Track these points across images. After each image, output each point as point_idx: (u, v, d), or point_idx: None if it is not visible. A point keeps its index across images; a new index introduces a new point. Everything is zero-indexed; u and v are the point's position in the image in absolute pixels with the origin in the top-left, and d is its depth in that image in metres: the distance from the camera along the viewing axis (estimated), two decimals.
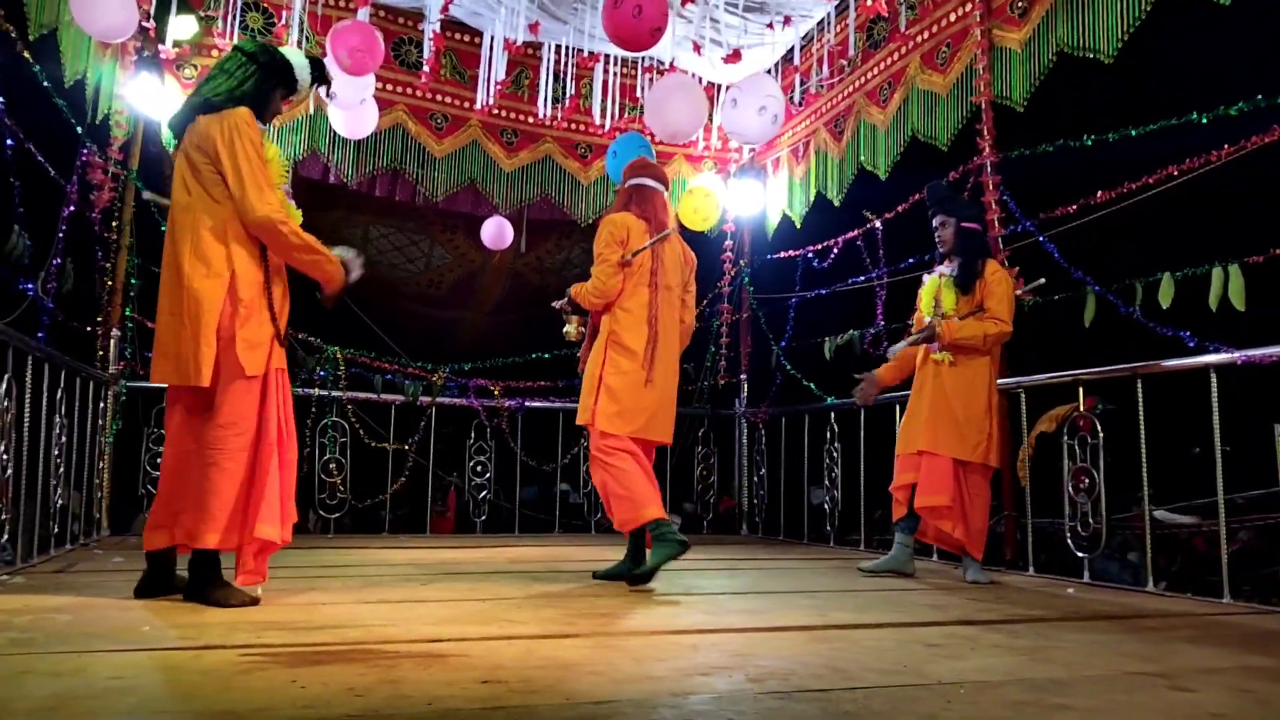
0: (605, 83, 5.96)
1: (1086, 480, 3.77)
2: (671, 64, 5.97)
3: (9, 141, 3.67)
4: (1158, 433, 3.59)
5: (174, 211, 2.78)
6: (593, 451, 3.46)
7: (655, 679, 1.82)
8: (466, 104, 6.07)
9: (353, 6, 5.46)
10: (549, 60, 5.96)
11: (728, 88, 6.55)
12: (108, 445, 4.91)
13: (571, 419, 5.20)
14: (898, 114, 5.12)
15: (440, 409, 5.90)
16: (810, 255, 5.99)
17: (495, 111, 6.12)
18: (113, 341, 5.01)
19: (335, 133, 5.59)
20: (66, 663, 1.86)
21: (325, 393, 5.57)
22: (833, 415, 5.47)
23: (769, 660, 2.02)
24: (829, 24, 5.55)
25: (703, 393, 6.67)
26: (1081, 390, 3.80)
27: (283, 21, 5.53)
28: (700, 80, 6.44)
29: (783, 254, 6.31)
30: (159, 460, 5.17)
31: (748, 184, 6.43)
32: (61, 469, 3.91)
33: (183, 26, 5.28)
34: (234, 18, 5.37)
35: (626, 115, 6.22)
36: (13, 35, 3.59)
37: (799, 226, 6.13)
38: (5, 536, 3.26)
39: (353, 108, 4.82)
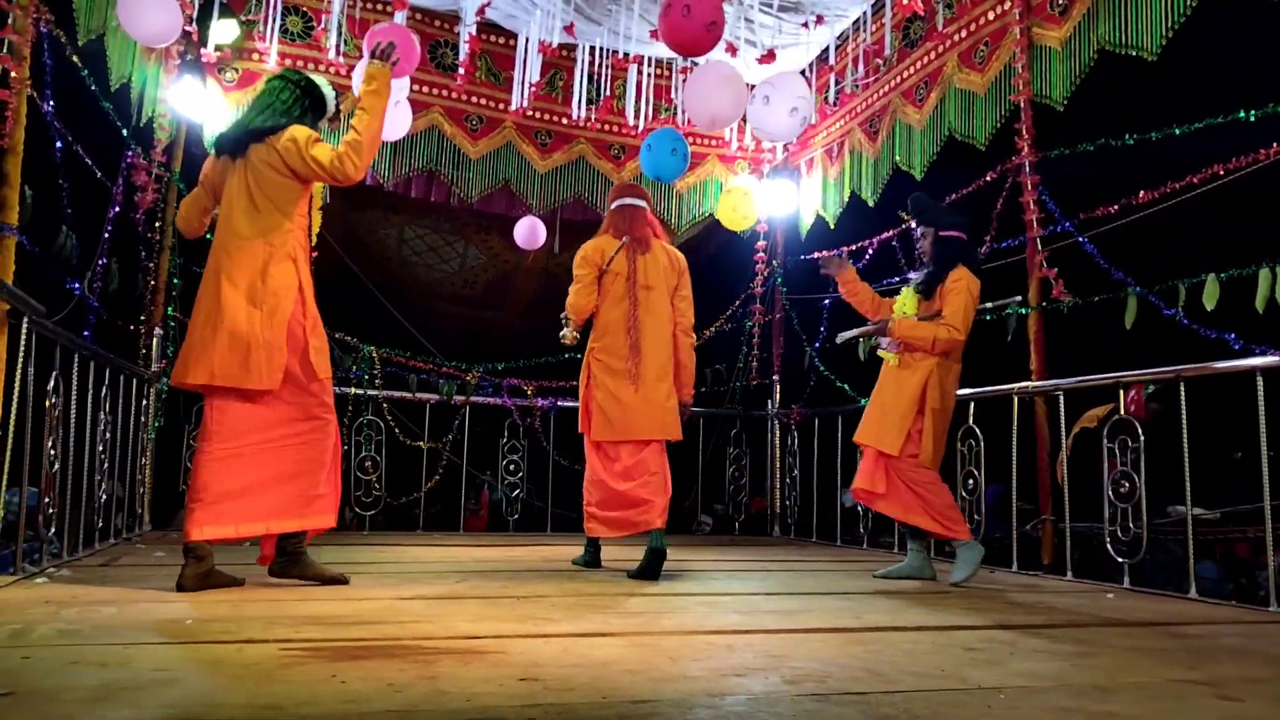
0: (639, 84, 5.97)
1: (1127, 484, 3.71)
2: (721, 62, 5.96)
3: (58, 144, 3.75)
4: (1199, 437, 3.52)
5: (233, 231, 2.97)
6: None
7: (691, 679, 1.82)
8: (501, 105, 6.11)
9: (390, 9, 5.52)
10: (583, 62, 5.98)
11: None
12: (150, 441, 5.01)
13: None
14: (934, 113, 5.08)
15: (474, 408, 5.95)
16: (844, 255, 5.95)
17: (530, 113, 6.15)
18: (155, 340, 5.11)
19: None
20: (113, 654, 1.90)
21: (361, 391, 5.63)
22: None
23: (805, 662, 2.01)
24: (865, 23, 5.52)
25: (735, 393, 6.65)
26: (1122, 392, 3.74)
27: (321, 25, 5.60)
28: None
29: (816, 254, 6.27)
30: None
31: (781, 184, 6.40)
32: (106, 464, 3.99)
33: (224, 31, 5.37)
34: (274, 21, 5.45)
35: (661, 116, 6.23)
36: (63, 40, 3.67)
37: (833, 227, 6.10)
38: (53, 530, 3.34)
39: (388, 109, 4.86)
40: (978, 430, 4.42)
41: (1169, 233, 4.11)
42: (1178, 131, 3.80)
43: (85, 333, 4.09)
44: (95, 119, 4.25)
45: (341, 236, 6.88)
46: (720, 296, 6.85)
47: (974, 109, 4.79)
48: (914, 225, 3.96)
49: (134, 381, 4.49)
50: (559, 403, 6.01)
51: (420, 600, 2.83)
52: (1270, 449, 3.22)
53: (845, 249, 5.93)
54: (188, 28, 5.01)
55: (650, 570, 3.62)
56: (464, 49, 5.78)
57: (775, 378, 6.60)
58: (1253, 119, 3.52)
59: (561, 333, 3.94)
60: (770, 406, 6.56)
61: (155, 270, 5.17)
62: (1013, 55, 4.51)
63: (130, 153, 4.66)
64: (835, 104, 6.04)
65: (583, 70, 5.98)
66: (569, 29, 5.32)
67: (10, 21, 3.18)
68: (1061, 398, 4.03)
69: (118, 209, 4.50)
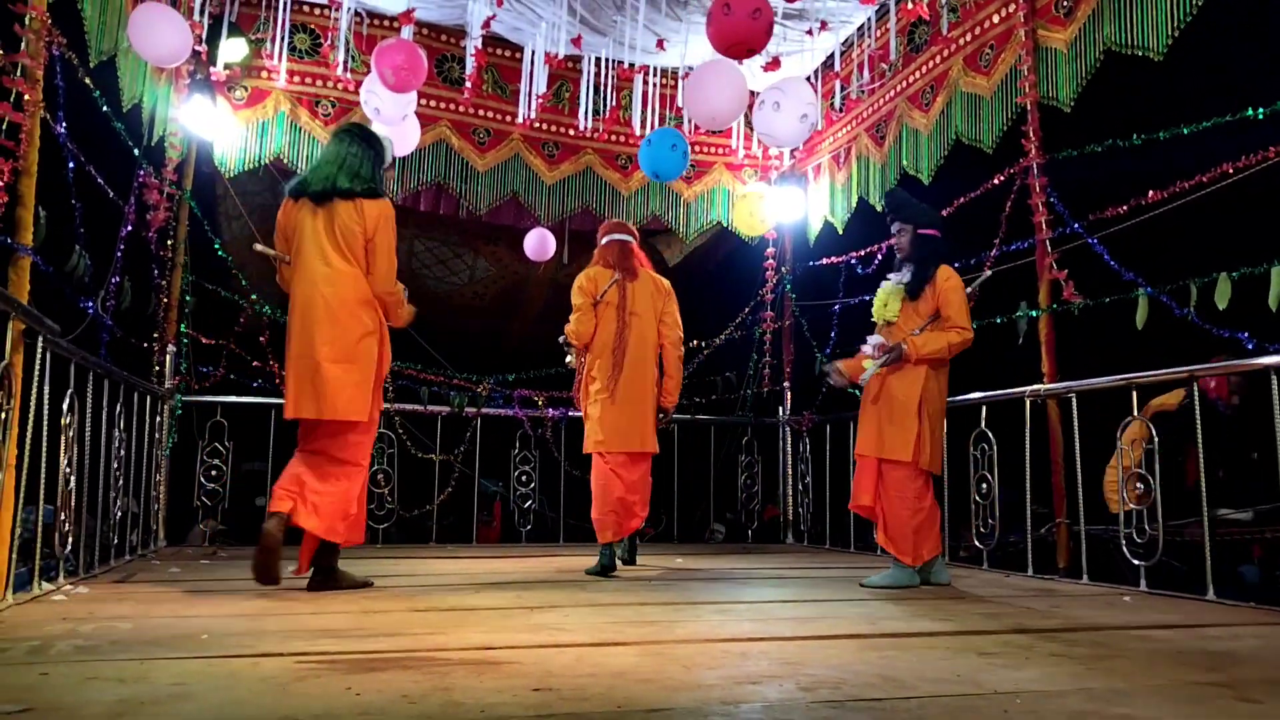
0: (645, 94, 6.00)
1: (1142, 486, 3.69)
2: None
3: (70, 164, 3.79)
4: (1214, 437, 3.49)
5: (319, 264, 3.32)
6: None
7: (706, 687, 1.81)
8: (508, 118, 6.14)
9: (396, 25, 5.56)
10: (589, 73, 6.01)
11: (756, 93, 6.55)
12: (164, 458, 5.04)
13: None
14: (941, 117, 5.08)
15: (485, 419, 5.96)
16: (853, 261, 5.95)
17: (536, 125, 6.19)
18: (168, 357, 5.15)
19: None
20: (130, 669, 1.91)
21: None
22: None
23: (819, 669, 2.00)
24: (869, 29, 5.53)
25: (746, 401, 6.65)
26: (1136, 394, 3.71)
27: (328, 42, 5.65)
28: None
29: (825, 261, 6.27)
30: (213, 473, 5.31)
31: (789, 191, 6.40)
32: (121, 481, 4.02)
33: (233, 49, 5.43)
34: (282, 39, 5.50)
35: (667, 125, 6.25)
36: (75, 62, 3.71)
37: (841, 232, 6.09)
38: (69, 547, 3.36)
39: (395, 124, 4.90)
40: (990, 434, 4.40)
41: (1179, 232, 4.08)
42: (1186, 131, 3.78)
43: (100, 351, 4.12)
44: (107, 139, 4.29)
45: None
46: (730, 304, 6.86)
47: (980, 112, 4.79)
48: (889, 221, 3.95)
49: (148, 399, 4.52)
50: (570, 413, 6.02)
51: (434, 612, 2.84)
52: None
53: (854, 255, 5.93)
54: (197, 47, 5.06)
55: (630, 557, 4.48)
56: (470, 63, 5.82)
57: (786, 384, 6.59)
58: (1261, 117, 3.51)
59: (567, 359, 4.49)
60: (782, 413, 6.55)
61: (168, 288, 5.21)
62: (1018, 57, 4.51)
63: (142, 172, 4.70)
64: (841, 110, 6.04)
65: (588, 81, 6.01)
66: (576, 41, 5.35)
67: (24, 45, 3.22)
68: (1074, 400, 4.00)
69: (130, 228, 4.54)
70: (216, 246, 5.59)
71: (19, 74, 3.18)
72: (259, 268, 6.28)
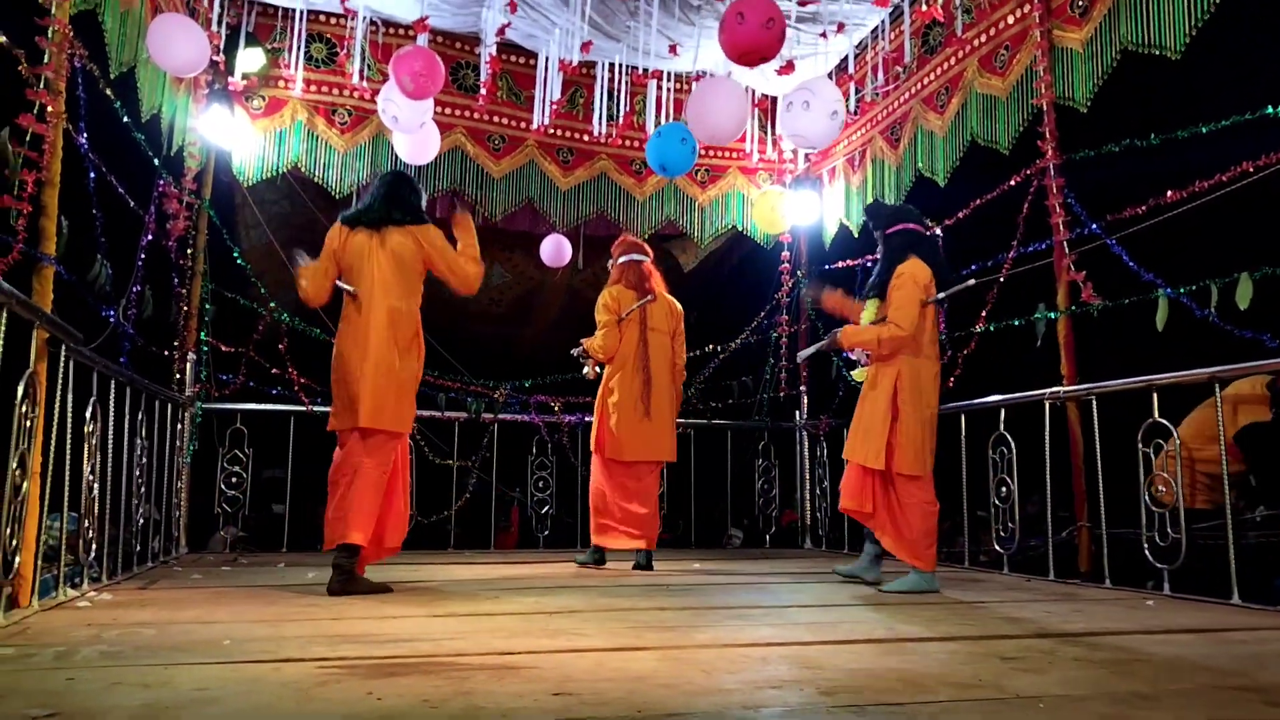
0: (659, 98, 6.01)
1: (1163, 488, 3.65)
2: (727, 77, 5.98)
3: (91, 175, 3.83)
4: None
5: (379, 287, 3.63)
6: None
7: (726, 691, 1.81)
8: (523, 124, 6.17)
9: (412, 34, 5.59)
10: (603, 78, 6.03)
11: (777, 97, 6.55)
12: (185, 465, 5.08)
13: None
14: (956, 119, 5.06)
15: (502, 425, 5.98)
16: (869, 264, 5.92)
17: (551, 131, 6.21)
18: (189, 365, 5.19)
19: (397, 157, 5.73)
20: (154, 674, 1.92)
21: None
22: None
23: (840, 673, 1.99)
24: (883, 31, 5.52)
25: (762, 405, 6.63)
26: (1155, 396, 3.68)
27: (344, 51, 5.69)
28: (754, 92, 6.46)
29: (840, 264, 6.25)
30: (234, 479, 5.35)
31: (804, 194, 6.40)
32: (143, 489, 4.05)
33: (250, 59, 5.48)
34: (299, 49, 5.55)
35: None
36: (95, 74, 3.76)
37: (856, 235, 6.08)
38: (92, 554, 3.39)
39: (413, 131, 4.93)
40: (1009, 437, 4.37)
41: (1199, 232, 4.05)
42: (1204, 130, 3.75)
43: (121, 359, 4.16)
44: (127, 149, 4.34)
45: None
46: (745, 308, 6.85)
47: (996, 113, 4.77)
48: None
49: (169, 406, 4.56)
50: (587, 418, 6.02)
51: (454, 617, 2.85)
52: None
53: (869, 258, 5.91)
54: (215, 57, 5.11)
55: (648, 565, 4.55)
56: (485, 70, 5.85)
57: (803, 388, 6.58)
58: None
59: (584, 370, 4.78)
60: (798, 417, 6.53)
61: (188, 296, 5.26)
62: (1034, 58, 4.49)
63: (162, 181, 4.75)
64: (856, 112, 6.03)
65: (602, 87, 6.03)
66: (585, 47, 5.37)
67: (46, 58, 3.26)
68: (1094, 402, 3.97)
69: (150, 237, 4.58)
70: (235, 255, 5.64)
71: (42, 86, 3.22)
72: (277, 276, 6.33)
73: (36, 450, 2.85)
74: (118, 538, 3.79)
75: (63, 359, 3.05)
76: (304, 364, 5.60)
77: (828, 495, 6.25)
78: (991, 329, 4.80)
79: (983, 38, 4.90)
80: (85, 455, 3.27)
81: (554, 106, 5.94)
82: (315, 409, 5.50)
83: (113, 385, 3.56)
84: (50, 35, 3.27)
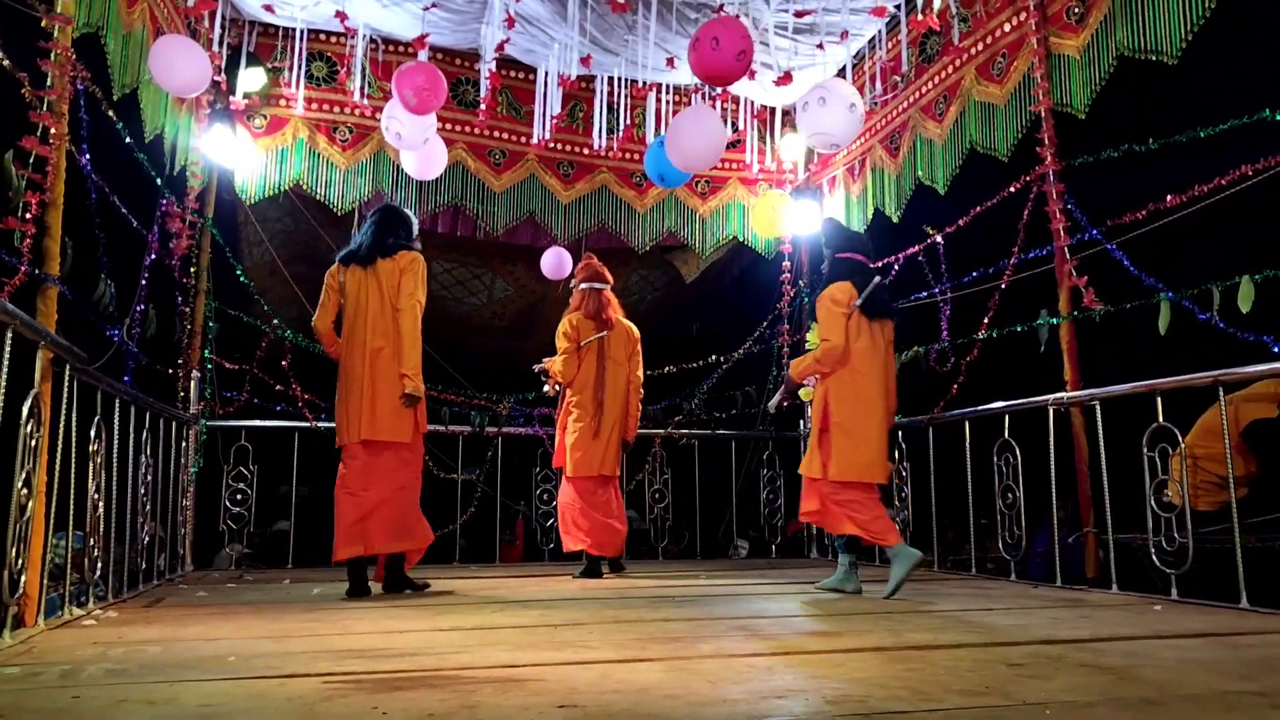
0: (658, 111, 6.03)
1: (1169, 493, 3.64)
2: (724, 90, 6.01)
3: (94, 195, 3.86)
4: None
5: (373, 316, 3.97)
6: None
7: (732, 702, 1.81)
8: (523, 139, 6.19)
9: (411, 50, 5.63)
10: (602, 92, 6.05)
11: (775, 108, 6.57)
12: (190, 483, 5.08)
13: (636, 446, 5.24)
14: (954, 127, 5.07)
15: (506, 438, 5.98)
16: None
17: (551, 145, 6.23)
18: (193, 383, 5.20)
19: (399, 173, 5.77)
20: (159, 691, 1.92)
21: None
22: (900, 434, 5.39)
23: (845, 682, 1.99)
24: (880, 41, 5.54)
25: (766, 415, 6.63)
26: (1160, 400, 3.67)
27: (345, 69, 5.73)
28: (752, 104, 6.48)
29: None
30: (239, 497, 5.36)
31: (804, 204, 6.41)
32: (147, 506, 4.06)
33: (252, 79, 5.51)
34: (300, 67, 5.59)
35: None
36: (98, 96, 3.79)
37: None
38: (98, 573, 3.39)
39: (418, 148, 4.96)
40: (1014, 443, 4.36)
41: (1199, 236, 4.05)
42: (1202, 134, 3.76)
43: (125, 378, 4.18)
44: (130, 170, 4.37)
45: None
46: (746, 318, 6.86)
47: (994, 121, 4.78)
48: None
49: (173, 424, 4.57)
50: None
51: (459, 631, 2.84)
52: None
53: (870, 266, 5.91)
54: (217, 77, 5.15)
55: (616, 568, 5.01)
56: (485, 85, 5.87)
57: None
58: (1278, 119, 3.48)
59: (544, 388, 5.15)
60: (803, 427, 6.52)
61: (192, 314, 5.27)
62: (1031, 65, 4.50)
63: (165, 201, 4.77)
64: None
65: (602, 101, 6.06)
66: (585, 60, 5.39)
67: (49, 81, 3.29)
68: (1098, 407, 3.97)
69: (154, 256, 4.60)
70: (239, 273, 5.66)
71: (45, 109, 3.25)
72: (280, 293, 6.36)
73: (42, 469, 2.86)
74: (123, 556, 3.80)
75: (67, 378, 3.06)
76: (307, 380, 5.61)
77: None
78: (994, 335, 4.79)
79: (979, 46, 4.92)
80: (90, 474, 3.28)
81: (554, 121, 5.96)
82: (319, 425, 5.51)
83: (117, 404, 3.57)
84: (53, 58, 3.30)
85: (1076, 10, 4.28)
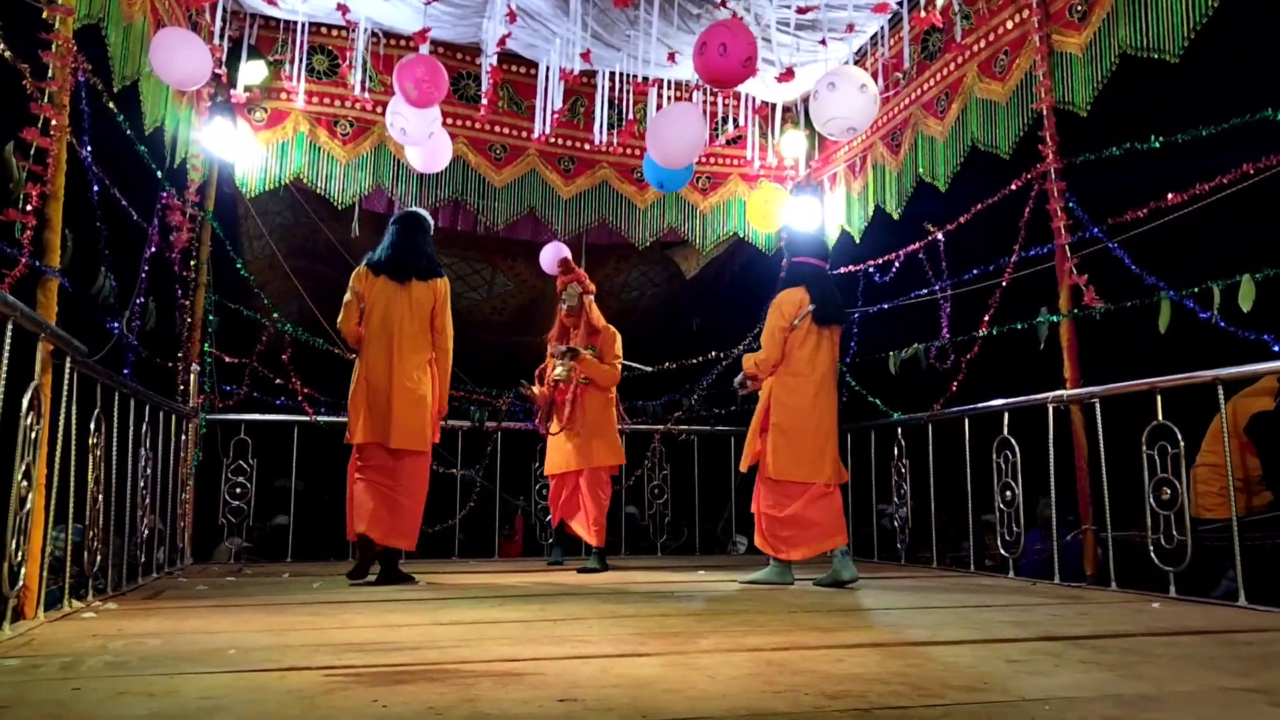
0: (659, 106, 6.02)
1: (1169, 491, 3.64)
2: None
3: (95, 188, 3.85)
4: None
5: (403, 330, 4.22)
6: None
7: (731, 696, 1.81)
8: (524, 134, 6.19)
9: (413, 45, 5.62)
10: (603, 87, 6.05)
11: (776, 104, 6.56)
12: (189, 476, 5.09)
13: (636, 441, 5.26)
14: (956, 124, 5.07)
15: (505, 434, 5.98)
16: (871, 270, 5.94)
17: (552, 140, 6.23)
18: (193, 376, 5.20)
19: (399, 167, 5.77)
20: (159, 684, 1.93)
21: None
22: (900, 431, 5.39)
23: (844, 677, 1.99)
24: (882, 38, 5.53)
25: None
26: (1159, 398, 3.67)
27: (346, 63, 5.72)
28: (754, 100, 6.48)
29: (843, 269, 6.26)
30: (238, 490, 5.36)
31: (805, 200, 6.40)
32: (147, 500, 4.06)
33: (252, 72, 5.51)
34: (301, 61, 5.58)
35: None
36: (99, 88, 3.78)
37: (858, 241, 6.08)
38: (97, 565, 3.39)
39: (422, 142, 4.96)
40: (1013, 441, 4.37)
41: (1200, 235, 4.05)
42: (1204, 133, 3.75)
43: (125, 370, 4.18)
44: (131, 162, 4.36)
45: None
46: (747, 314, 6.85)
47: (996, 118, 4.78)
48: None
49: (173, 418, 4.57)
50: None
51: (458, 625, 2.85)
52: None
53: (871, 263, 5.92)
54: (217, 70, 5.14)
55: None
56: (486, 80, 5.87)
57: None
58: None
59: (558, 371, 5.21)
60: None
61: (191, 308, 5.27)
62: (1033, 63, 4.50)
63: (165, 194, 4.77)
64: None
65: (603, 96, 6.05)
66: (585, 55, 5.38)
67: (50, 72, 3.28)
68: (1098, 405, 3.97)
69: (154, 249, 4.60)
70: (239, 266, 5.66)
71: (46, 100, 3.24)
72: (280, 286, 6.35)
73: (41, 462, 2.86)
74: (123, 549, 3.80)
75: (67, 371, 3.06)
76: (307, 374, 5.61)
77: None
78: (994, 333, 4.80)
79: (982, 43, 4.91)
80: (90, 467, 3.28)
81: (555, 116, 5.96)
82: (319, 419, 5.51)
83: (117, 397, 3.57)
84: (54, 50, 3.30)
85: (1079, 8, 4.28)
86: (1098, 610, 3.24)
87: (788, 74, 5.13)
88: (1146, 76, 4.04)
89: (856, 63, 5.81)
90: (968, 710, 1.70)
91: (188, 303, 5.25)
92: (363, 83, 5.64)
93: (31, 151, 3.15)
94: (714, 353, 6.69)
